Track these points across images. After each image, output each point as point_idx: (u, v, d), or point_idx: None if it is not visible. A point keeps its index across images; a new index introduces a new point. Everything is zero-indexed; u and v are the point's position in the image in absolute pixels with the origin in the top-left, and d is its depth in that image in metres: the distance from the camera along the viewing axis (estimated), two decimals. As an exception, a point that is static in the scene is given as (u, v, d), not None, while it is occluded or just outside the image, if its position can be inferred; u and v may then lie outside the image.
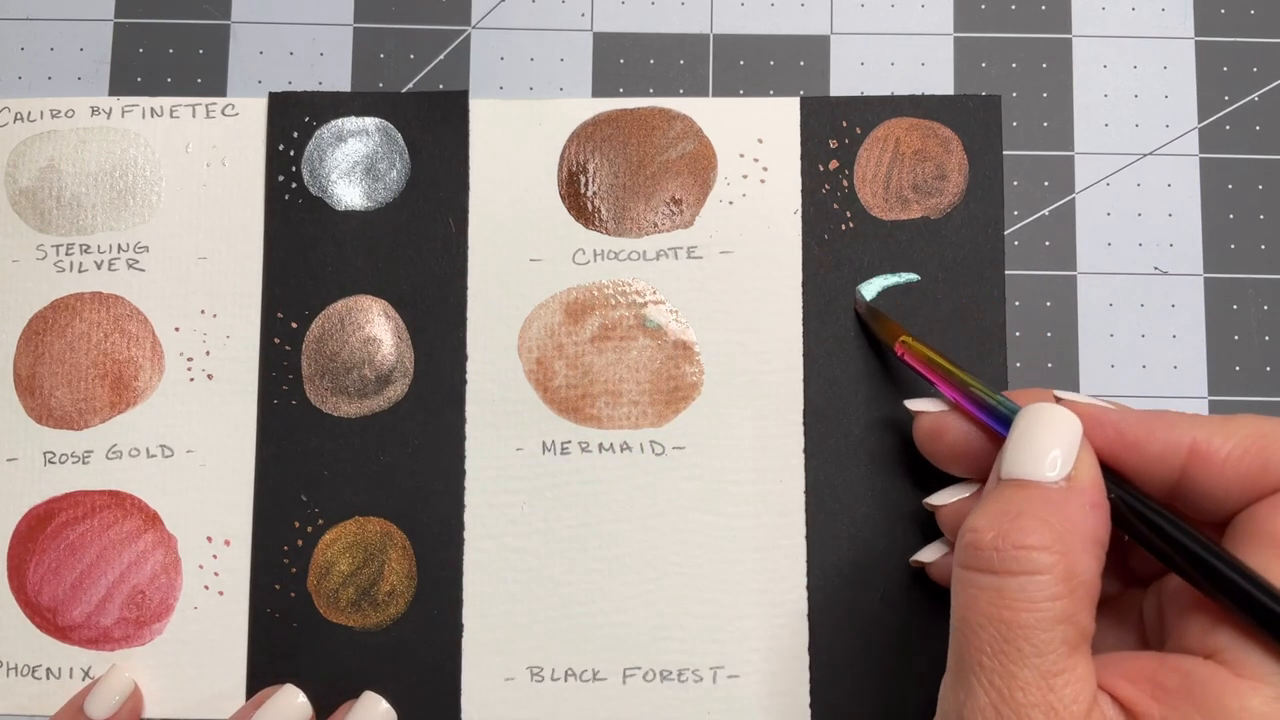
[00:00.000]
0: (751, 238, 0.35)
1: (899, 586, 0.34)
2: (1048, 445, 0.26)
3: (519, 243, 0.35)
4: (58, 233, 0.35)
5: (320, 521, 0.34)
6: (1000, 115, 0.36)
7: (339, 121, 0.36)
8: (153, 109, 0.36)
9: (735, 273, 0.35)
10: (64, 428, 0.35)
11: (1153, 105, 0.36)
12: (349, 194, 0.35)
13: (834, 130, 0.36)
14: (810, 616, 0.34)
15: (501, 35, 0.36)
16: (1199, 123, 0.36)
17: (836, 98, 0.36)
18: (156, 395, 0.35)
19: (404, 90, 0.36)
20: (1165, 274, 0.35)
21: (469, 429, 0.35)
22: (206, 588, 0.34)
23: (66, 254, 0.35)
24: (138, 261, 0.35)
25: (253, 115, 0.36)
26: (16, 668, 0.34)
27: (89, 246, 0.35)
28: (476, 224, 0.35)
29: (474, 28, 0.36)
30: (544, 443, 0.35)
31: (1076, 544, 0.24)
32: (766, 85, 0.36)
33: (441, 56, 0.36)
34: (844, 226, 0.35)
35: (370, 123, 0.36)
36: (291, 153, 0.36)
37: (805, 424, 0.34)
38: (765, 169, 0.35)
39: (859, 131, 0.36)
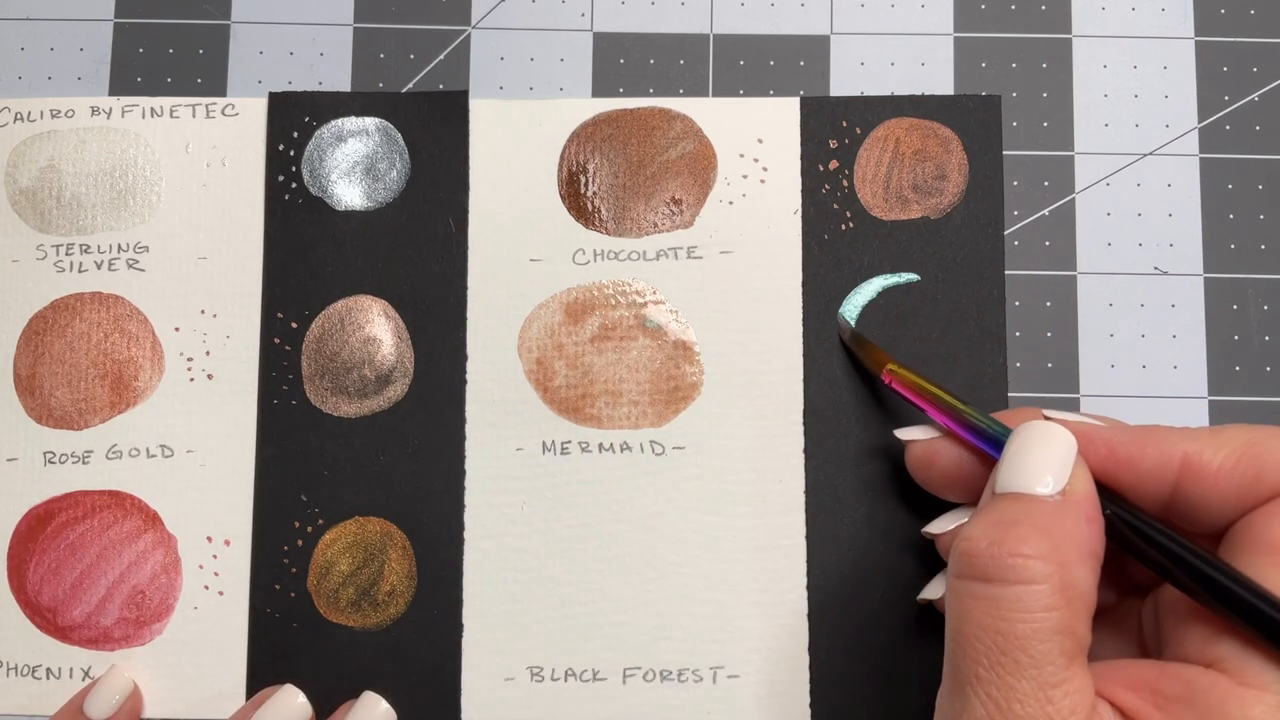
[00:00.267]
0: (751, 238, 0.35)
1: (899, 586, 0.34)
2: (1042, 460, 0.26)
3: (519, 243, 0.35)
4: (58, 233, 0.35)
5: (320, 521, 0.34)
6: (1000, 115, 0.36)
7: (339, 121, 0.36)
8: (153, 109, 0.36)
9: (735, 273, 0.35)
10: (64, 428, 0.35)
11: (1153, 105, 0.36)
12: (349, 194, 0.35)
13: (834, 130, 0.36)
14: (810, 616, 0.34)
15: (501, 35, 0.36)
16: (1199, 123, 0.36)
17: (836, 98, 0.36)
18: (156, 395, 0.35)
19: (404, 90, 0.36)
20: (1165, 274, 0.35)
21: (469, 429, 0.35)
22: (206, 588, 0.34)
23: (66, 254, 0.35)
24: (138, 261, 0.35)
25: (253, 115, 0.36)
26: (16, 668, 0.34)
27: (89, 246, 0.35)
28: (476, 224, 0.35)
29: (474, 28, 0.36)
30: (544, 443, 0.35)
31: (1072, 555, 0.24)
32: (766, 85, 0.36)
33: (441, 56, 0.36)
34: (844, 226, 0.35)
35: (370, 123, 0.36)
36: (291, 153, 0.36)
37: (805, 424, 0.34)
38: (765, 169, 0.35)
39: (859, 131, 0.36)
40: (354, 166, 0.36)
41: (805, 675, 0.33)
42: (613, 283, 0.35)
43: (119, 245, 0.35)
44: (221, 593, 0.34)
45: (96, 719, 0.32)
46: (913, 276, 0.35)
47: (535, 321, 0.35)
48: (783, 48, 0.36)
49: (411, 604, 0.34)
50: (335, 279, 0.35)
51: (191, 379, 0.35)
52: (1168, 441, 0.27)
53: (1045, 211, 0.35)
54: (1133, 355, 0.35)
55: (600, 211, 0.35)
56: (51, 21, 0.36)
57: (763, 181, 0.35)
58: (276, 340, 0.35)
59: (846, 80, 0.36)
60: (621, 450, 0.34)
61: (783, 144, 0.36)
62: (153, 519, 0.34)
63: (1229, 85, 0.36)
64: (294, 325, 0.35)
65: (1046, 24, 0.36)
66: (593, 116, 0.36)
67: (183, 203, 0.36)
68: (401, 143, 0.36)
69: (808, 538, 0.34)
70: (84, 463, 0.35)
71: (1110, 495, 0.27)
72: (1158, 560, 0.26)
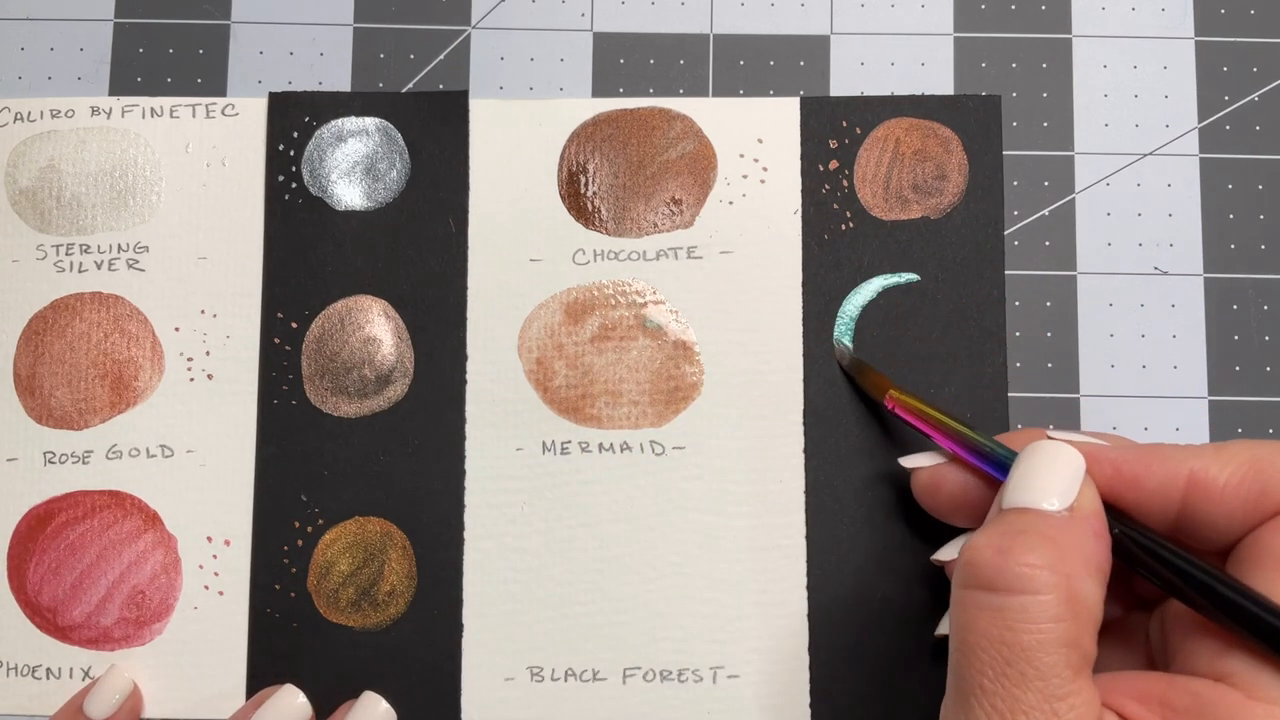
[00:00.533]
0: (751, 238, 0.35)
1: (899, 586, 0.34)
2: (1051, 478, 0.26)
3: (519, 243, 0.35)
4: (58, 233, 0.35)
5: (320, 521, 0.34)
6: (1000, 115, 0.36)
7: (339, 121, 0.36)
8: (153, 109, 0.36)
9: (735, 273, 0.35)
10: (64, 428, 0.35)
11: (1153, 105, 0.36)
12: (349, 194, 0.35)
13: (834, 130, 0.36)
14: (810, 616, 0.34)
15: (501, 35, 0.36)
16: (1199, 123, 0.36)
17: (836, 98, 0.36)
18: (156, 395, 0.35)
19: (404, 90, 0.36)
20: (1165, 274, 0.35)
21: (469, 429, 0.35)
22: (206, 588, 0.34)
23: (66, 254, 0.35)
24: (138, 261, 0.35)
25: (253, 115, 0.36)
26: (16, 668, 0.34)
27: (89, 246, 0.35)
28: (476, 224, 0.35)
29: (474, 28, 0.36)
30: (544, 443, 0.35)
31: (1080, 567, 0.24)
32: (766, 85, 0.36)
33: (441, 56, 0.36)
34: (844, 226, 0.35)
35: (370, 123, 0.36)
36: (291, 153, 0.36)
37: (805, 424, 0.34)
38: (765, 169, 0.35)
39: (859, 131, 0.36)
40: (354, 166, 0.36)
41: (805, 675, 0.33)
42: (613, 283, 0.35)
43: (119, 245, 0.35)
44: (221, 593, 0.34)
45: (96, 719, 0.32)
46: (913, 276, 0.35)
47: (535, 321, 0.35)
48: (783, 48, 0.36)
49: (411, 604, 0.34)
50: (335, 279, 0.35)
51: (191, 379, 0.35)
52: (1173, 459, 0.26)
53: (1045, 211, 0.35)
54: (1133, 355, 0.35)
55: (600, 211, 0.35)
56: (51, 21, 0.36)
57: (763, 181, 0.35)
58: (276, 340, 0.35)
59: (846, 80, 0.36)
60: (621, 450, 0.34)
61: (783, 144, 0.36)
62: (153, 519, 0.34)
63: (1229, 85, 0.36)
64: (294, 325, 0.35)
65: (1046, 24, 0.36)
66: (593, 116, 0.36)
67: (183, 203, 0.36)
68: (401, 143, 0.36)
69: (808, 538, 0.34)
70: (84, 463, 0.35)
71: (1117, 514, 0.27)
72: (1167, 578, 0.26)
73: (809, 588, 0.34)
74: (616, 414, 0.35)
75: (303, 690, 0.33)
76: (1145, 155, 0.36)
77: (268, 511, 0.34)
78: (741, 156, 0.35)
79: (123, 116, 0.36)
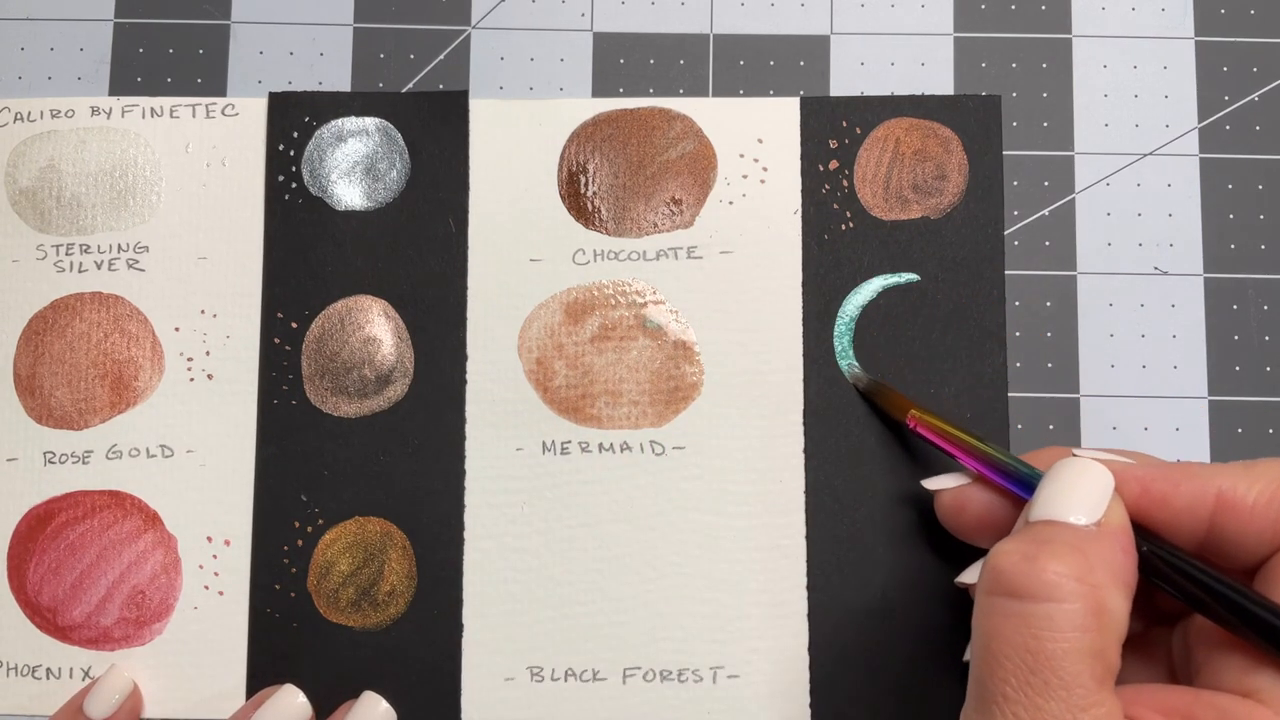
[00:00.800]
0: (751, 238, 0.35)
1: (899, 586, 0.34)
2: (1079, 493, 0.26)
3: (519, 243, 0.35)
4: (58, 233, 0.35)
5: (320, 521, 0.34)
6: (1000, 115, 0.36)
7: (339, 121, 0.36)
8: (153, 109, 0.36)
9: (735, 273, 0.35)
10: (64, 428, 0.35)
11: (1153, 105, 0.36)
12: (349, 194, 0.35)
13: (834, 130, 0.36)
14: (810, 616, 0.34)
15: (501, 35, 0.36)
16: (1199, 123, 0.36)
17: (836, 98, 0.36)
18: (156, 395, 0.35)
19: (404, 90, 0.36)
20: (1165, 274, 0.35)
21: (469, 429, 0.35)
22: (206, 588, 0.34)
23: (66, 254, 0.35)
24: (138, 261, 0.35)
25: (253, 115, 0.36)
26: (16, 668, 0.34)
27: (89, 246, 0.35)
28: (476, 224, 0.35)
29: (474, 28, 0.36)
30: (544, 443, 0.35)
31: (1106, 578, 0.24)
32: (766, 85, 0.36)
33: (441, 56, 0.36)
34: (844, 226, 0.35)
35: (370, 123, 0.36)
36: (291, 153, 0.36)
37: (805, 424, 0.34)
38: (765, 169, 0.35)
39: (859, 131, 0.36)
40: (354, 166, 0.36)
41: (805, 675, 0.33)
42: (613, 283, 0.35)
43: (119, 245, 0.35)
44: (221, 593, 0.34)
45: (96, 719, 0.32)
46: (913, 276, 0.35)
47: (535, 321, 0.35)
48: (783, 48, 0.36)
49: (411, 604, 0.34)
50: (335, 279, 0.35)
51: (191, 379, 0.35)
52: (1200, 478, 0.26)
53: (1045, 211, 0.35)
54: (1133, 355, 0.35)
55: (600, 211, 0.35)
56: (51, 21, 0.36)
57: (763, 181, 0.35)
58: (276, 340, 0.35)
59: (846, 80, 0.36)
60: (621, 450, 0.34)
61: (783, 144, 0.36)
62: (153, 519, 0.34)
63: (1229, 85, 0.36)
64: (294, 325, 0.35)
65: (1046, 24, 0.36)
66: (593, 116, 0.36)
67: (183, 203, 0.36)
68: (401, 143, 0.36)
69: (808, 538, 0.34)
70: (84, 463, 0.35)
71: (1145, 533, 0.26)
72: (1196, 595, 0.25)
73: (809, 588, 0.34)
74: (616, 414, 0.35)
75: (303, 690, 0.33)
76: (1145, 155, 0.36)
77: (268, 511, 0.34)
78: (741, 156, 0.35)
79: (123, 116, 0.36)
